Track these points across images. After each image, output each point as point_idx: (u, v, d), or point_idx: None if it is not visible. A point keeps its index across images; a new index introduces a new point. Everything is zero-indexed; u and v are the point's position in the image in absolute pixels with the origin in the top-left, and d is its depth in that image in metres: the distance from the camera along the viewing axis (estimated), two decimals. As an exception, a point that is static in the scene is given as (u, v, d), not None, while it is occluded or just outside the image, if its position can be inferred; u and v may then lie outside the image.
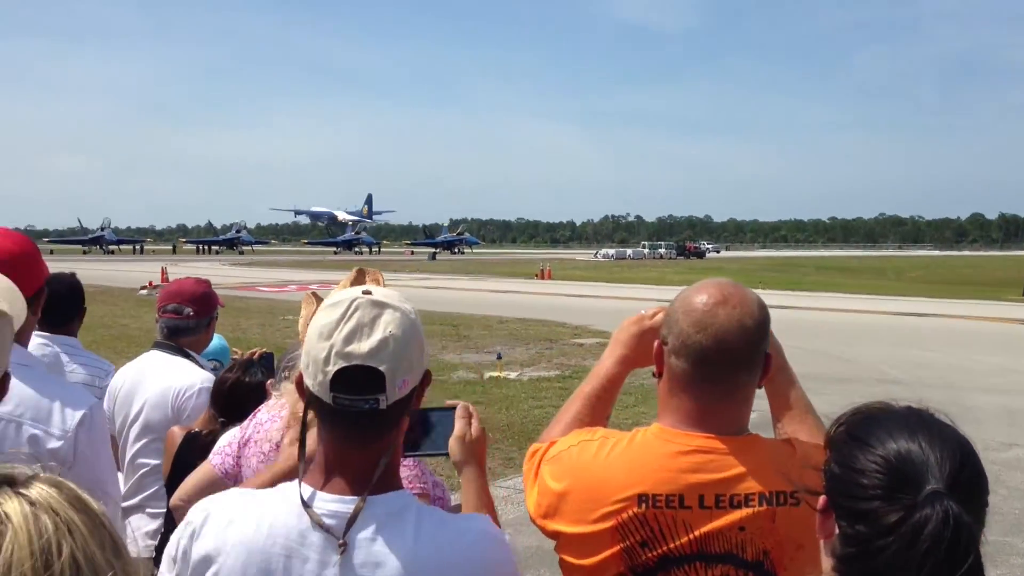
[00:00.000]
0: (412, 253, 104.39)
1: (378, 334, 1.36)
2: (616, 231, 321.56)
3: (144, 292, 28.74)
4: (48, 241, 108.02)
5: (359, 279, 2.14)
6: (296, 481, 1.39)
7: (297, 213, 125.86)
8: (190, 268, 48.34)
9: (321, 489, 1.39)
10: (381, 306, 1.39)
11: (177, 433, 2.78)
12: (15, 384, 2.11)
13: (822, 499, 1.22)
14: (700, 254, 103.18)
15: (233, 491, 1.49)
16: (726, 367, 1.61)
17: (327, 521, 1.35)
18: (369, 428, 1.39)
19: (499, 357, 14.02)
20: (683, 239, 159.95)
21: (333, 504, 1.36)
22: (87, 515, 0.92)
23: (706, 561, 1.58)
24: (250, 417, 2.27)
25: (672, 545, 1.57)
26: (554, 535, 1.67)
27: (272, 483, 1.61)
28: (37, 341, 2.99)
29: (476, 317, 21.97)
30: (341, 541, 1.33)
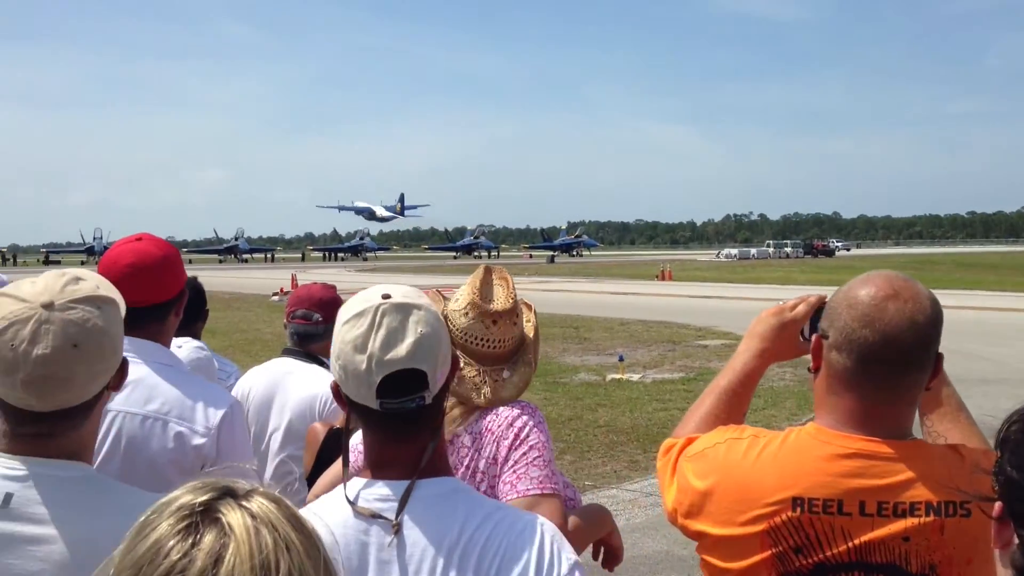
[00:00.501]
0: (531, 256, 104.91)
1: (411, 336, 1.41)
2: (739, 230, 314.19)
3: (276, 298, 30.00)
4: (187, 251, 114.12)
5: (486, 277, 2.13)
6: (342, 483, 1.46)
7: (341, 209, 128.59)
8: (318, 275, 50.18)
9: (371, 479, 1.45)
10: (406, 308, 1.44)
11: (320, 429, 2.83)
12: (160, 383, 2.20)
13: (998, 506, 1.11)
14: (829, 252, 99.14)
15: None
16: (894, 366, 1.50)
17: (378, 506, 1.41)
18: (416, 423, 1.45)
19: (621, 359, 13.88)
20: (810, 237, 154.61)
21: (383, 489, 1.43)
22: (303, 534, 0.92)
23: (866, 571, 1.49)
24: (346, 421, 2.29)
25: (829, 553, 1.49)
26: (697, 536, 1.61)
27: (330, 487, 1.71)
28: (192, 345, 3.07)
29: (597, 319, 21.86)
30: (394, 523, 1.39)
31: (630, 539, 6.14)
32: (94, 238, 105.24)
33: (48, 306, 1.48)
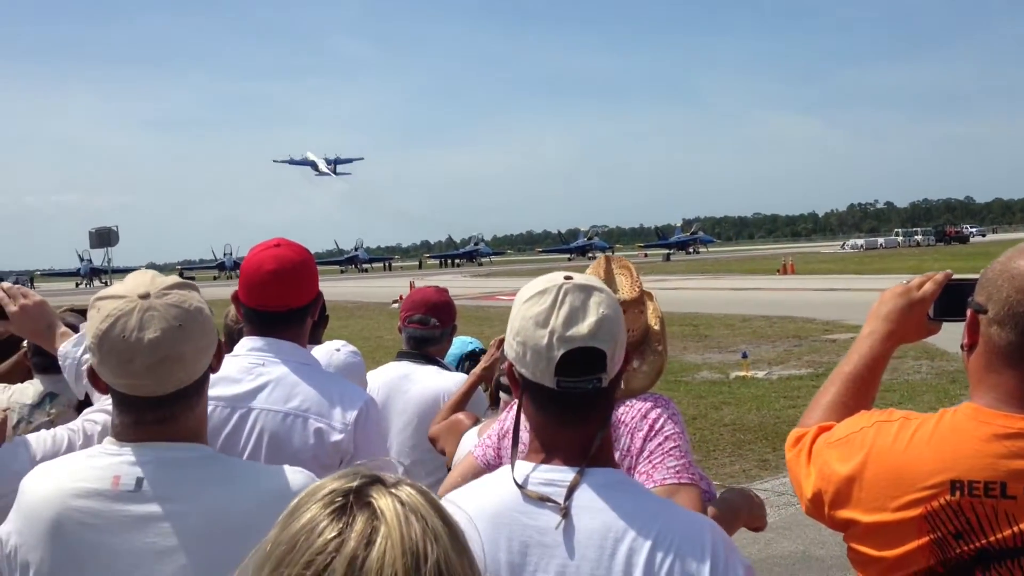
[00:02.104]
0: (646, 255, 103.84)
1: (593, 315, 1.40)
2: (864, 220, 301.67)
3: (395, 305, 30.73)
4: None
5: (608, 267, 2.11)
6: (509, 465, 1.46)
7: (291, 162, 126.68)
8: (435, 281, 51.14)
9: (540, 464, 1.44)
10: (588, 289, 1.43)
11: (464, 419, 2.86)
12: (299, 382, 2.27)
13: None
14: (963, 239, 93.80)
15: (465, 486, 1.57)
16: None
17: (545, 490, 1.40)
18: (590, 406, 1.44)
19: (745, 356, 13.54)
20: (942, 224, 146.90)
21: (551, 474, 1.42)
22: (450, 526, 0.94)
23: None
24: (507, 408, 2.28)
25: (992, 538, 1.40)
26: (845, 524, 1.53)
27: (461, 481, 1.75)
28: (348, 349, 3.13)
29: (717, 316, 21.42)
30: (563, 507, 1.38)
31: (763, 539, 5.96)
32: (224, 254, 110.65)
33: (145, 296, 1.57)
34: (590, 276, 1.51)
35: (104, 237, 26.68)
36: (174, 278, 1.65)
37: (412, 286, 37.39)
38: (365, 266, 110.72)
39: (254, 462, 1.69)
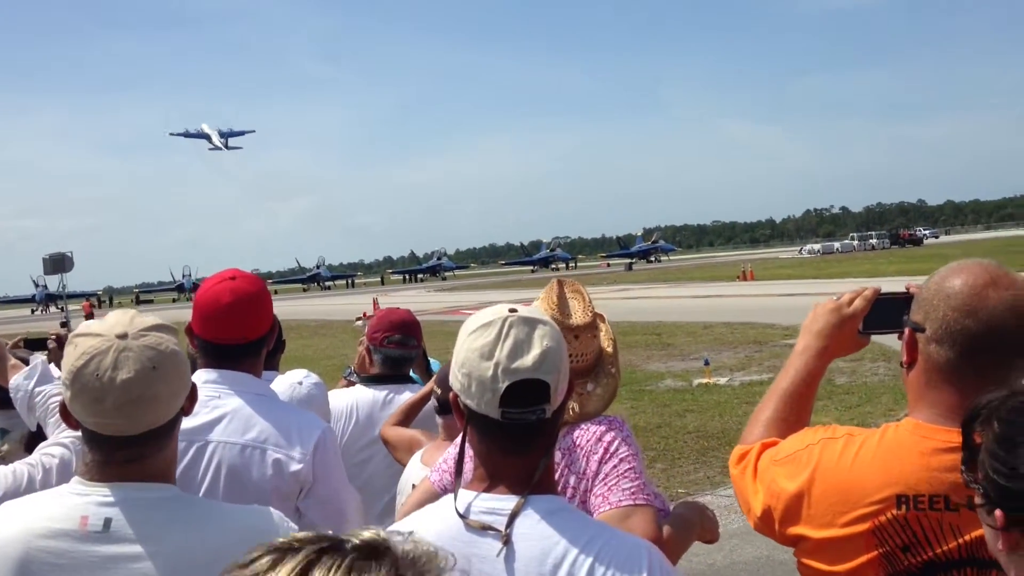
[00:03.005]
0: (608, 265, 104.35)
1: (537, 348, 1.43)
2: (820, 225, 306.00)
3: (360, 323, 30.43)
4: (272, 282, 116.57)
5: (561, 291, 2.13)
6: (452, 494, 1.48)
7: (187, 135, 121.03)
8: (399, 297, 50.96)
9: (482, 492, 1.47)
10: (532, 321, 1.46)
11: (422, 441, 2.85)
12: (255, 413, 2.26)
13: (999, 516, 1.16)
14: (917, 241, 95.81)
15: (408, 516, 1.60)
16: (999, 355, 1.45)
17: (486, 518, 1.43)
18: (533, 436, 1.46)
19: (707, 363, 13.67)
20: (896, 227, 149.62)
21: (493, 503, 1.45)
22: None
23: (978, 567, 1.44)
24: (463, 434, 2.30)
25: (939, 550, 1.45)
26: (795, 540, 1.58)
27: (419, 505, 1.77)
28: (310, 381, 3.09)
29: (679, 324, 21.60)
30: (504, 534, 1.40)
31: (727, 545, 6.03)
32: (183, 276, 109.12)
33: (123, 336, 1.58)
34: (534, 308, 1.53)
35: (58, 263, 26.10)
36: (153, 319, 1.65)
37: (375, 303, 37.18)
38: (327, 284, 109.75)
39: (222, 503, 1.69)
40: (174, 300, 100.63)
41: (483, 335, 1.44)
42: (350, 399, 3.34)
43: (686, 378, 13.48)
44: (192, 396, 1.70)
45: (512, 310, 1.48)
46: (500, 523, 1.42)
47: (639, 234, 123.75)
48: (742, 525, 6.38)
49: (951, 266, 1.55)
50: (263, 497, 2.18)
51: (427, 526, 1.44)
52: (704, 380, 12.88)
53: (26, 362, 2.39)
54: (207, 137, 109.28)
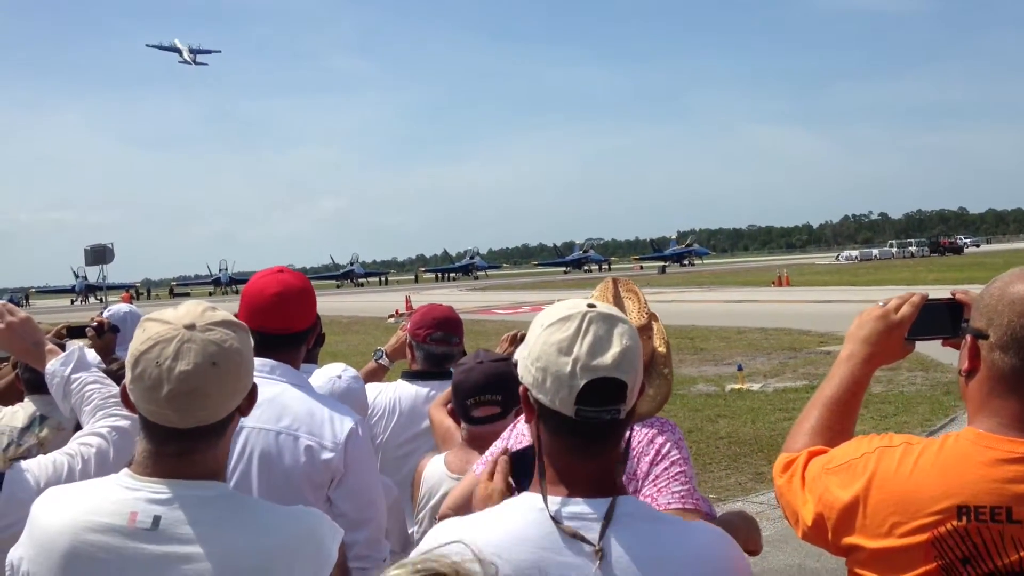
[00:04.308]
0: (641, 268, 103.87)
1: (617, 346, 1.39)
2: (858, 231, 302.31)
3: (392, 320, 30.71)
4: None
5: (615, 290, 2.11)
6: (537, 493, 1.43)
7: (161, 48, 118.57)
8: (431, 295, 51.13)
9: (565, 496, 1.42)
10: (612, 319, 1.43)
11: (458, 436, 2.83)
12: (290, 401, 2.29)
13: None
14: (957, 250, 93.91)
15: (477, 514, 1.53)
16: None
17: (574, 524, 1.38)
18: (607, 437, 1.43)
19: (740, 368, 13.55)
20: (936, 234, 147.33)
21: (576, 507, 1.40)
22: None
23: None
24: (510, 427, 2.29)
25: (1000, 563, 1.40)
26: (848, 549, 1.53)
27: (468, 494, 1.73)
28: (349, 375, 3.10)
29: (712, 329, 21.42)
30: (597, 548, 1.35)
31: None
32: (220, 269, 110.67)
33: (190, 327, 1.56)
34: (612, 306, 1.50)
35: (99, 254, 26.62)
36: (225, 314, 1.62)
37: (408, 300, 37.32)
38: (361, 280, 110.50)
39: (272, 504, 1.68)
40: (210, 293, 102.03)
41: (561, 329, 1.40)
42: (392, 394, 3.36)
43: (719, 383, 13.35)
44: (252, 397, 1.67)
45: (591, 305, 1.44)
46: (588, 529, 1.38)
47: (673, 237, 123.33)
48: (773, 532, 6.30)
49: (1014, 272, 1.52)
50: (295, 484, 2.20)
51: (509, 528, 1.39)
52: (737, 386, 12.75)
53: (63, 348, 2.41)
54: (179, 51, 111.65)
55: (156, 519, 1.52)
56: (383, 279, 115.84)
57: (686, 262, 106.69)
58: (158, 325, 1.57)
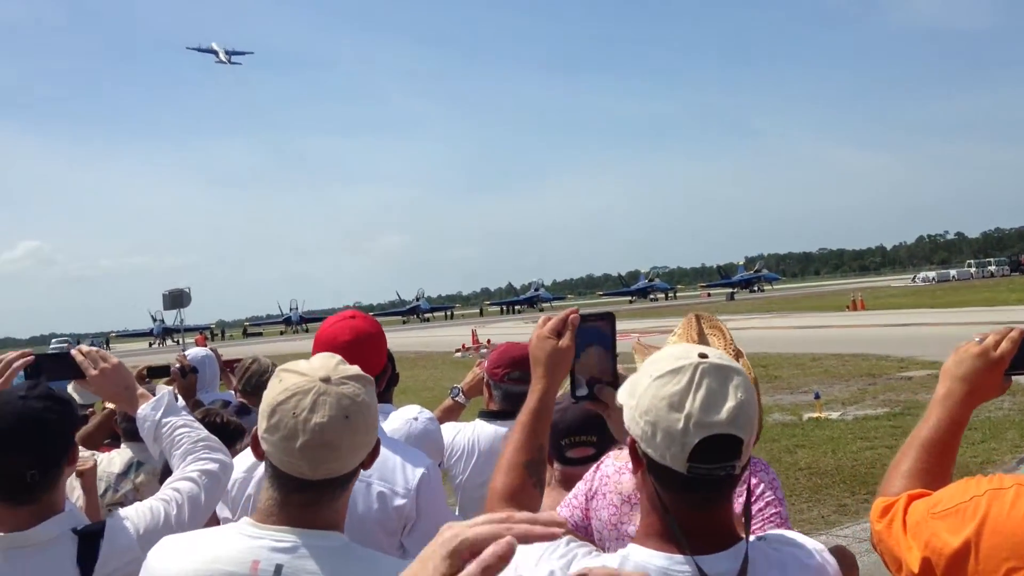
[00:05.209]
0: (708, 295, 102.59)
1: (732, 400, 1.34)
2: (934, 251, 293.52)
3: (459, 355, 30.86)
4: (373, 315, 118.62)
5: (699, 327, 2.06)
6: (653, 549, 1.39)
7: (199, 50, 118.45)
8: (496, 328, 51.21)
9: (694, 553, 1.37)
10: (725, 370, 1.37)
11: None
12: None
13: None
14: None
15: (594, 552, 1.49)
16: None
17: None
18: (721, 492, 1.39)
19: (817, 396, 13.19)
20: (1016, 252, 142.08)
21: (718, 562, 1.36)
22: None
23: None
24: (593, 469, 2.25)
25: None
26: None
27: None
28: (425, 416, 3.10)
29: (785, 356, 20.94)
30: None
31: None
32: (290, 309, 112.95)
33: (325, 380, 1.58)
34: (723, 354, 1.44)
35: (177, 299, 27.49)
36: (355, 369, 1.65)
37: (474, 334, 37.47)
38: (427, 316, 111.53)
39: (387, 556, 1.70)
40: (281, 332, 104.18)
41: (672, 382, 1.35)
42: (471, 434, 3.35)
43: (795, 412, 13.02)
44: (375, 451, 1.69)
45: (702, 355, 1.38)
46: None
47: (741, 263, 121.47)
48: (861, 568, 6.06)
49: None
50: (368, 530, 2.19)
51: None
52: (815, 414, 12.41)
53: (153, 392, 2.46)
54: (215, 53, 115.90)
55: (278, 568, 1.54)
56: (449, 313, 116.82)
57: (755, 288, 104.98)
58: (295, 376, 1.59)
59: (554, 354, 1.74)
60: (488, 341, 34.17)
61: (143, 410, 2.37)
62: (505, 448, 1.74)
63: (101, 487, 3.13)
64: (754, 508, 1.88)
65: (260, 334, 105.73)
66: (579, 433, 2.58)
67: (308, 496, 1.58)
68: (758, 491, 1.91)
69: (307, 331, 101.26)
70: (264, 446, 1.59)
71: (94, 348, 2.47)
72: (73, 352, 2.42)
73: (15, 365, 2.40)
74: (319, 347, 2.42)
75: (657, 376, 1.37)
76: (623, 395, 1.45)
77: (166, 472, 2.68)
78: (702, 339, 2.04)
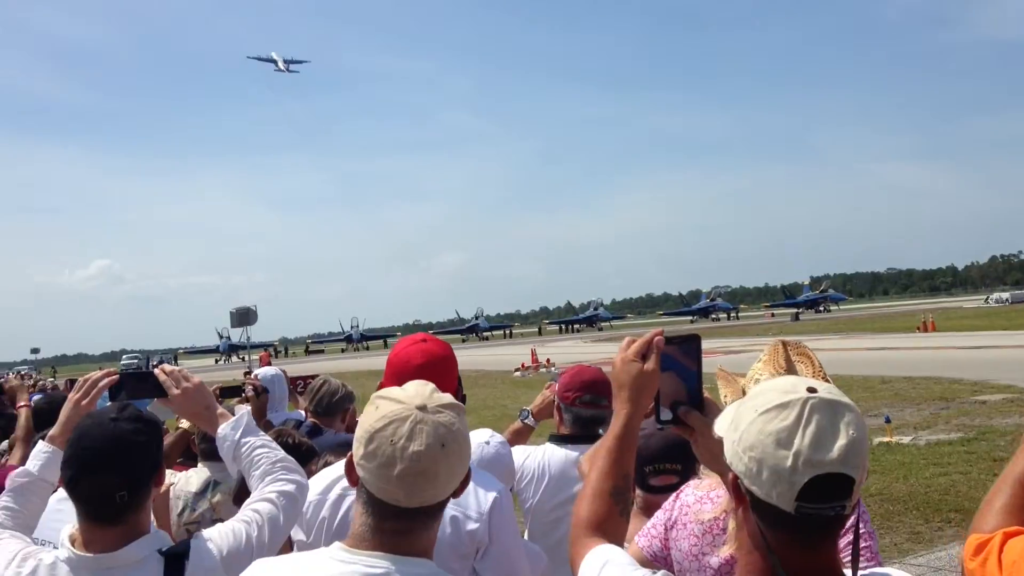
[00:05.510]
0: (772, 315, 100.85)
1: (843, 438, 1.28)
2: (1008, 271, 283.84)
3: (518, 374, 30.85)
4: (432, 333, 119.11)
5: (786, 354, 2.02)
6: None
7: (259, 59, 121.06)
8: (556, 348, 51.12)
9: None
10: (836, 405, 1.31)
11: None
12: None
13: None
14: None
15: None
16: None
17: None
18: (828, 532, 1.34)
19: (887, 420, 12.81)
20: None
21: None
22: None
23: None
24: (673, 498, 2.23)
25: None
26: None
27: None
28: (496, 440, 3.10)
29: (854, 378, 20.41)
30: None
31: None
32: (351, 327, 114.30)
33: (422, 408, 1.60)
34: (831, 387, 1.37)
35: (244, 316, 28.25)
36: (448, 397, 1.67)
37: (534, 353, 37.32)
38: (486, 334, 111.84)
39: None
40: (343, 350, 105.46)
41: (779, 417, 1.30)
42: (542, 458, 3.34)
43: (864, 436, 12.67)
44: (466, 480, 1.69)
45: (811, 389, 1.33)
46: None
47: (806, 283, 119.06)
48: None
49: None
50: (441, 554, 2.19)
51: None
52: (885, 439, 12.06)
53: (232, 412, 2.51)
54: (274, 62, 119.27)
55: None
56: (507, 332, 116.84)
57: (821, 308, 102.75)
58: (391, 404, 1.61)
59: (639, 378, 1.69)
60: (548, 360, 34.19)
61: (223, 430, 2.42)
62: (589, 474, 1.71)
63: (179, 506, 3.20)
64: (842, 541, 1.82)
65: (322, 351, 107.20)
66: (663, 461, 2.55)
67: (402, 523, 1.59)
68: (848, 523, 1.85)
69: (367, 349, 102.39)
70: (360, 472, 1.61)
71: (177, 368, 2.52)
72: (156, 371, 2.48)
73: (101, 384, 2.48)
74: (391, 370, 2.44)
75: (763, 410, 1.32)
76: (723, 427, 1.42)
77: (240, 491, 2.73)
78: (789, 367, 1.99)
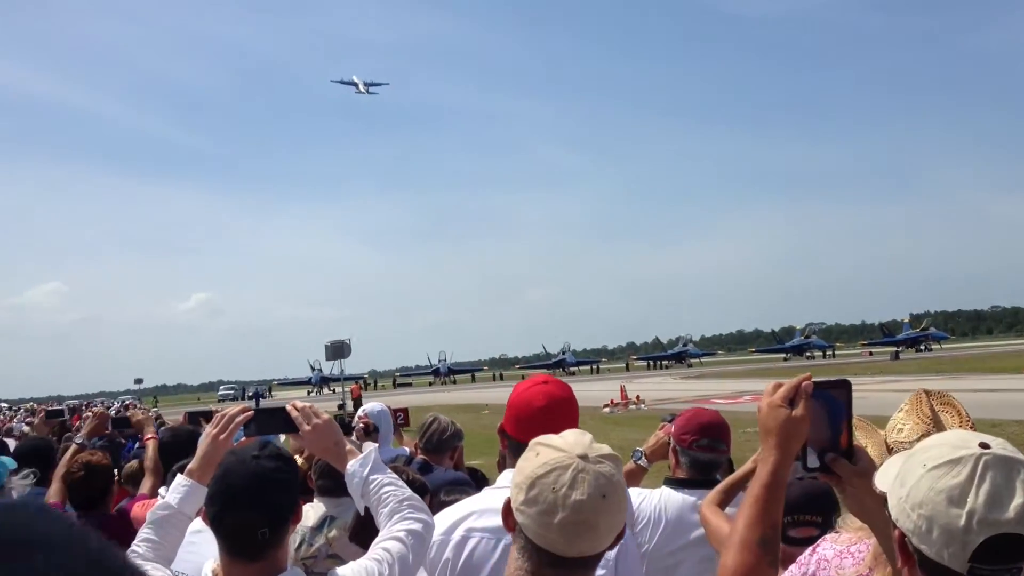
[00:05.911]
0: (871, 354, 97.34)
1: (1020, 496, 1.24)
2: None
3: (607, 410, 30.55)
4: (519, 367, 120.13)
5: (931, 404, 1.95)
6: None
7: (342, 82, 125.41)
8: (645, 384, 50.41)
9: None
10: (1010, 462, 1.27)
11: None
12: None
13: None
14: None
15: None
16: None
17: None
18: None
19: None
20: None
21: None
22: None
23: None
24: (810, 551, 2.17)
25: None
26: None
27: None
28: None
29: (961, 421, 19.49)
30: None
31: None
32: (439, 360, 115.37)
33: (583, 457, 1.60)
34: (1006, 443, 1.34)
35: (338, 350, 29.05)
36: (607, 448, 1.68)
37: (623, 390, 36.87)
38: (572, 369, 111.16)
39: None
40: (430, 384, 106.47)
41: (951, 474, 1.27)
42: (658, 503, 3.30)
43: (977, 483, 12.04)
44: (622, 533, 1.69)
45: (984, 445, 1.29)
46: None
47: (906, 320, 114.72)
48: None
49: None
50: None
51: None
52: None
53: (359, 448, 2.57)
54: (355, 85, 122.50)
55: None
56: (595, 367, 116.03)
57: (922, 347, 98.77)
58: (552, 452, 1.62)
59: (787, 424, 1.66)
60: (637, 397, 33.77)
61: (352, 466, 2.46)
62: (735, 524, 1.68)
63: (296, 540, 3.27)
64: None
65: (410, 384, 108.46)
66: (804, 512, 2.49)
67: (559, 572, 1.59)
68: None
69: (455, 382, 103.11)
70: (519, 518, 1.61)
71: (308, 404, 2.59)
72: (288, 407, 2.56)
73: (237, 420, 2.57)
74: (513, 412, 2.46)
75: (933, 466, 1.28)
76: (885, 481, 1.38)
77: (357, 527, 2.78)
78: (934, 416, 1.92)
